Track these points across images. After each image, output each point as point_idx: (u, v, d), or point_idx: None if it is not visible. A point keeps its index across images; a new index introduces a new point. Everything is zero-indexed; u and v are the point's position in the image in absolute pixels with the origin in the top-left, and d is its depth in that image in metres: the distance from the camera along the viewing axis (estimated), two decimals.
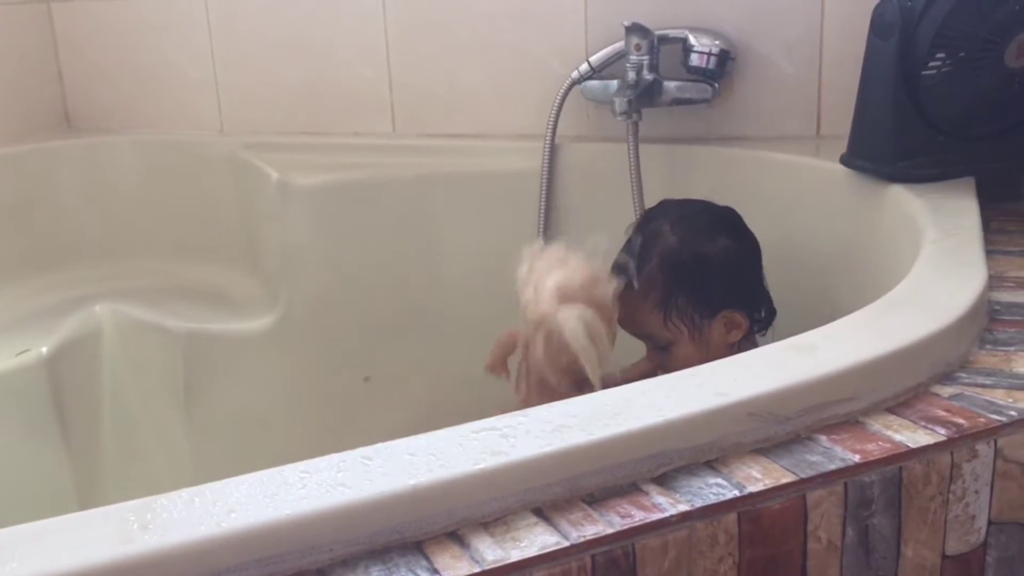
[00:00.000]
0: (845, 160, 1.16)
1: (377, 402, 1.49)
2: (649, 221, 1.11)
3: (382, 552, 0.54)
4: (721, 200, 1.12)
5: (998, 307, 0.84)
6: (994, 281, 0.89)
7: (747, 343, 1.07)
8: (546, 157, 1.39)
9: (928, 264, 0.86)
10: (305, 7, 1.52)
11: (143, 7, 1.61)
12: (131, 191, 1.61)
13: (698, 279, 1.04)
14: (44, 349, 1.32)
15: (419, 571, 0.53)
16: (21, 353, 1.30)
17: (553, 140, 1.39)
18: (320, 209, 1.45)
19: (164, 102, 1.65)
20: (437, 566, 0.53)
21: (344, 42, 1.52)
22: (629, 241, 1.10)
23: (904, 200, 1.04)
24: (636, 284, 1.04)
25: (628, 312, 1.06)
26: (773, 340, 0.75)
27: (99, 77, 1.67)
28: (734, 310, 1.05)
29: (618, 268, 1.06)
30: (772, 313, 1.09)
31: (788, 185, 1.26)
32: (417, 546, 0.55)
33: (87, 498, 1.34)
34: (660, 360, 1.08)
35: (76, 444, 1.35)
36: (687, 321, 1.04)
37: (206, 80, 1.61)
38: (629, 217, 1.28)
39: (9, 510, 1.26)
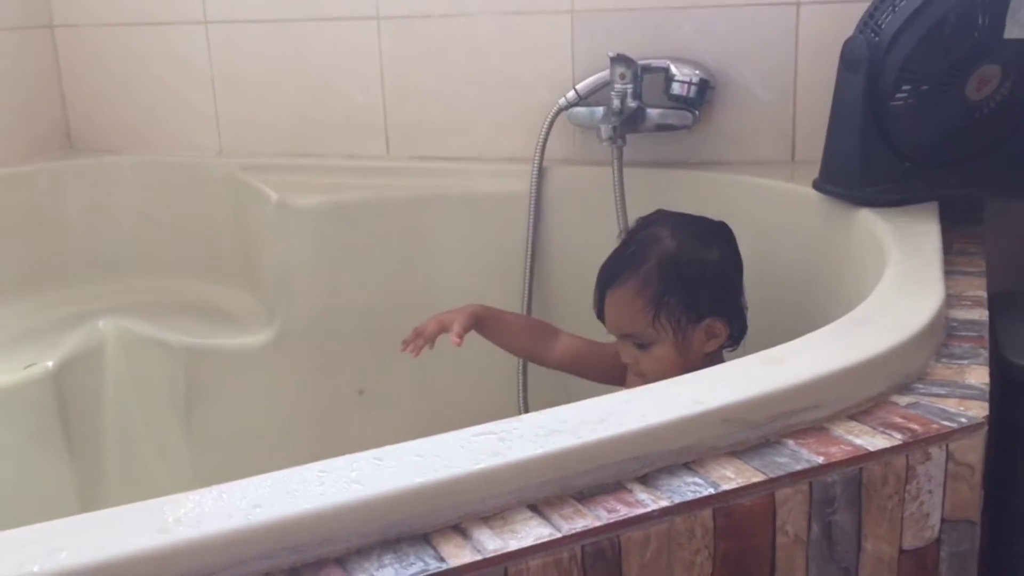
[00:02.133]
0: (817, 185, 1.21)
1: (370, 415, 1.54)
2: (646, 227, 1.14)
3: (394, 543, 0.60)
4: None
5: (955, 324, 0.90)
6: (952, 300, 0.94)
7: (716, 356, 1.10)
8: (534, 179, 1.44)
9: (891, 283, 0.92)
10: (303, 35, 1.58)
11: (145, 33, 1.66)
12: (133, 210, 1.66)
13: (691, 283, 1.08)
14: (50, 363, 1.36)
15: (427, 559, 0.58)
16: (28, 367, 1.34)
17: (541, 163, 1.44)
18: (317, 229, 1.50)
19: (164, 125, 1.69)
20: (443, 555, 0.59)
21: (340, 68, 1.57)
22: (622, 245, 1.14)
23: (871, 223, 1.10)
24: (628, 283, 1.08)
25: (617, 310, 1.09)
26: (745, 353, 0.81)
27: (101, 100, 1.72)
28: (717, 319, 1.08)
29: (611, 269, 1.11)
30: (744, 330, 1.13)
31: (763, 207, 1.31)
32: (425, 537, 0.60)
33: (90, 506, 1.38)
34: (635, 359, 1.10)
35: (80, 454, 1.40)
36: (674, 323, 1.07)
37: (206, 104, 1.66)
38: (613, 236, 1.34)
39: (15, 516, 1.30)
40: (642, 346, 1.09)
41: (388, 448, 0.65)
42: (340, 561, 0.58)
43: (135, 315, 1.51)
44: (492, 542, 0.60)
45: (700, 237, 1.11)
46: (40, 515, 0.60)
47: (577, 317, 1.43)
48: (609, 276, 1.12)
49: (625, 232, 1.17)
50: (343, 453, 0.66)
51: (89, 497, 1.39)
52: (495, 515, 0.62)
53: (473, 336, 1.51)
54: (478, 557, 0.58)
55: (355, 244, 1.50)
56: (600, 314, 1.13)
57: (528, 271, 1.46)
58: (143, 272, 1.65)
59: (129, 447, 1.46)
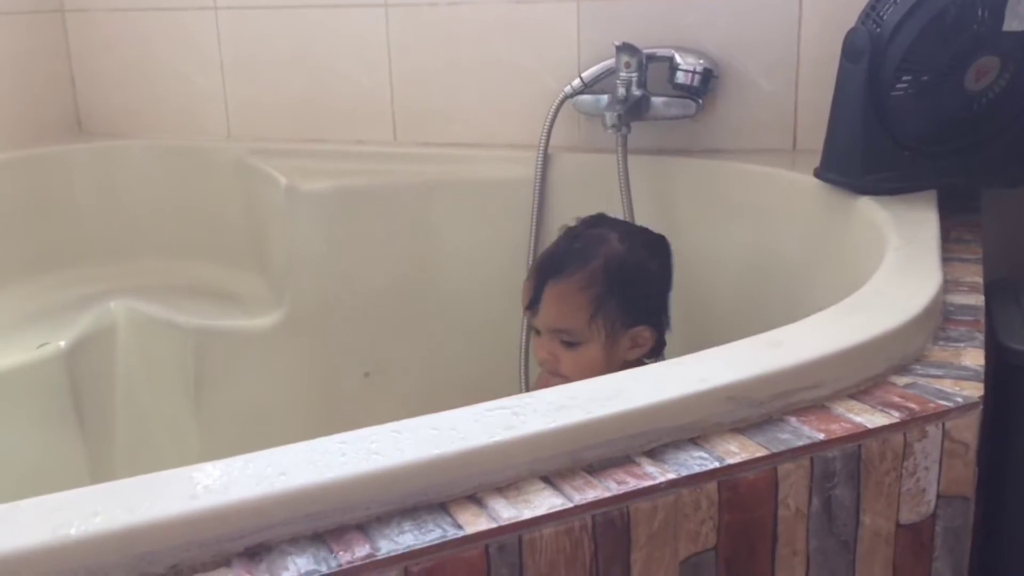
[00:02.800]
0: (818, 173, 1.23)
1: (376, 396, 1.57)
2: (593, 226, 1.14)
3: (412, 510, 0.62)
4: (705, 208, 1.19)
5: (952, 308, 0.93)
6: (949, 285, 0.97)
7: (635, 365, 1.08)
8: (539, 166, 1.46)
9: (890, 269, 0.94)
10: (311, 21, 1.59)
11: (154, 18, 1.68)
12: (142, 194, 1.68)
13: (633, 289, 1.09)
14: (62, 343, 1.39)
15: (445, 526, 0.61)
16: (41, 346, 1.37)
17: (546, 150, 1.46)
18: (325, 213, 1.52)
19: (173, 109, 1.71)
20: (460, 522, 0.61)
21: (348, 54, 1.59)
22: (569, 239, 1.13)
23: (871, 211, 1.12)
24: (573, 278, 1.07)
25: (555, 304, 1.08)
26: (748, 335, 0.83)
27: (111, 84, 1.74)
28: (646, 328, 1.09)
29: (555, 261, 1.10)
30: (664, 344, 1.13)
31: (765, 195, 1.33)
32: (442, 506, 0.63)
33: (101, 483, 1.41)
34: (556, 358, 1.09)
35: (91, 432, 1.42)
36: (608, 325, 1.07)
37: (214, 88, 1.68)
38: None
39: (28, 492, 1.33)
40: (570, 344, 1.08)
41: (405, 421, 0.67)
42: (361, 527, 0.61)
43: (145, 297, 1.53)
44: (507, 511, 0.62)
45: (646, 245, 1.13)
46: (52, 490, 0.62)
47: None
48: (553, 268, 1.10)
49: (566, 228, 1.17)
50: None
51: (100, 475, 1.42)
52: (509, 485, 0.65)
53: (479, 316, 1.54)
54: (494, 525, 0.61)
55: (362, 228, 1.52)
56: (532, 304, 1.11)
57: (532, 255, 1.47)
58: (153, 255, 1.67)
59: (139, 427, 1.48)
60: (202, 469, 0.62)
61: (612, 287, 1.08)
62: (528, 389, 1.49)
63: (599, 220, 1.17)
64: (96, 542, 0.56)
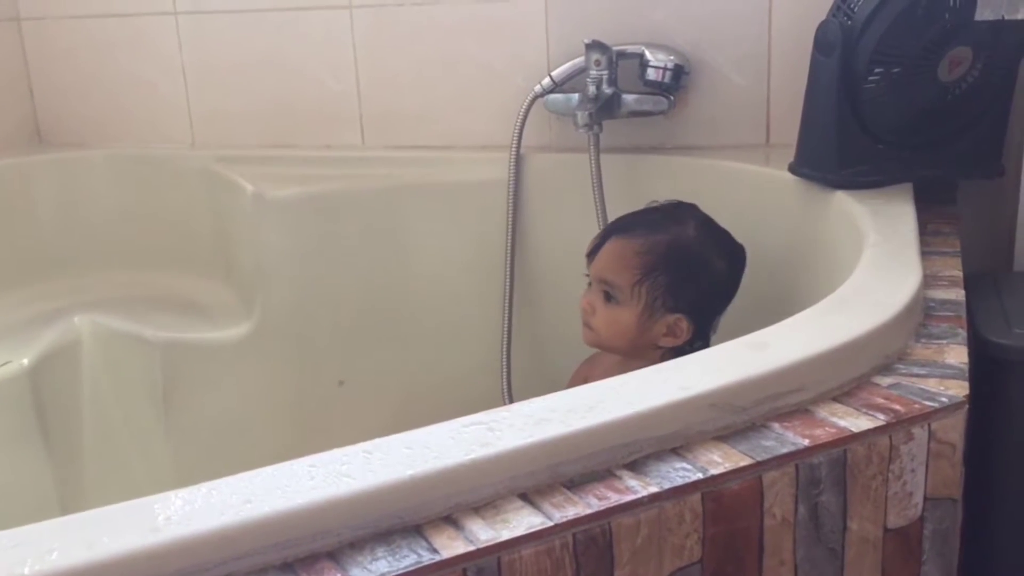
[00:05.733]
0: (792, 168, 1.22)
1: (351, 406, 1.54)
2: (678, 206, 1.17)
3: (386, 535, 0.60)
4: None
5: (933, 304, 0.92)
6: (929, 280, 0.96)
7: (665, 355, 1.10)
8: (512, 167, 1.44)
9: (869, 265, 0.93)
10: (274, 24, 1.56)
11: (113, 25, 1.64)
12: (105, 204, 1.64)
13: (687, 276, 1.09)
14: (25, 360, 1.34)
15: (420, 551, 0.58)
16: (3, 365, 1.32)
17: (518, 151, 1.44)
18: (293, 220, 1.49)
19: (135, 117, 1.67)
20: (436, 546, 0.59)
21: (313, 57, 1.56)
22: (649, 210, 1.17)
23: (847, 205, 1.11)
24: (635, 239, 1.10)
25: (610, 255, 1.11)
26: (727, 338, 0.81)
27: (70, 93, 1.70)
28: (686, 320, 1.09)
29: (627, 221, 1.15)
30: (700, 345, 1.12)
31: (740, 192, 1.32)
32: (417, 529, 0.61)
33: (70, 504, 1.37)
34: (594, 309, 1.12)
35: (58, 452, 1.38)
36: (651, 297, 1.09)
37: (177, 95, 1.64)
38: (592, 221, 1.35)
39: None
40: (610, 299, 1.11)
41: (377, 441, 0.65)
42: (333, 555, 0.58)
43: (111, 310, 1.49)
44: (484, 532, 0.60)
45: (719, 245, 1.14)
46: (20, 513, 0.60)
47: (558, 302, 1.44)
48: (622, 225, 1.15)
49: (658, 205, 1.19)
50: (325, 445, 0.66)
51: (69, 494, 1.38)
52: (486, 505, 0.63)
53: (455, 321, 1.52)
54: (471, 548, 0.59)
55: (332, 235, 1.50)
56: (592, 253, 1.14)
57: (509, 258, 1.46)
58: (118, 267, 1.64)
59: (108, 443, 1.45)
60: (164, 499, 0.59)
61: (668, 264, 1.09)
62: (511, 396, 1.47)
63: (688, 206, 1.17)
64: None
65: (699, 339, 1.12)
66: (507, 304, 1.46)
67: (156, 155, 1.64)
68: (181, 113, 1.65)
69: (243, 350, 1.49)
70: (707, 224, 1.15)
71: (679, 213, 1.15)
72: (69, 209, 1.64)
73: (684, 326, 1.10)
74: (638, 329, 1.10)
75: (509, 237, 1.46)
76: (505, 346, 1.46)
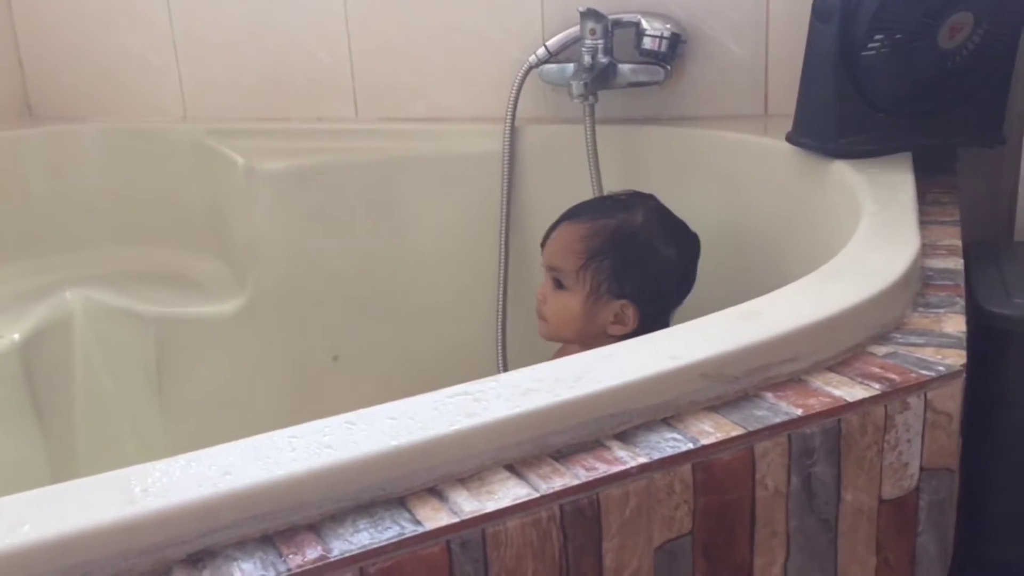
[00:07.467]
0: (790, 138, 1.20)
1: (345, 380, 1.53)
2: (632, 195, 1.16)
3: (368, 507, 0.59)
4: (675, 177, 1.16)
5: (931, 273, 0.90)
6: (927, 249, 0.94)
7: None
8: (507, 139, 1.42)
9: (866, 234, 0.91)
10: None
11: None
12: (96, 178, 1.62)
13: (631, 262, 1.09)
14: (16, 336, 1.34)
15: (403, 523, 0.57)
16: None
17: (513, 122, 1.42)
18: (286, 193, 1.47)
19: (126, 90, 1.65)
20: (419, 517, 0.58)
21: (305, 29, 1.54)
22: (600, 197, 1.19)
23: (845, 175, 1.10)
24: (582, 225, 1.10)
25: (559, 241, 1.12)
26: (722, 308, 0.80)
27: (60, 66, 1.67)
28: (632, 306, 1.08)
29: (577, 208, 1.15)
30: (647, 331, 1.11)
31: (737, 162, 1.30)
32: (400, 501, 0.59)
33: (62, 479, 1.35)
34: (545, 298, 1.13)
35: (50, 427, 1.38)
36: (595, 283, 1.08)
37: (168, 67, 1.62)
38: (587, 193, 1.33)
39: None
40: (559, 286, 1.11)
41: (361, 412, 0.64)
42: (314, 527, 0.57)
43: (103, 285, 1.48)
44: (469, 504, 0.59)
45: (669, 231, 1.12)
46: (12, 490, 0.59)
47: None
48: (572, 212, 1.15)
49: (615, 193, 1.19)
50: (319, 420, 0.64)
51: (61, 469, 1.37)
52: (472, 476, 0.61)
53: (449, 294, 1.50)
54: (455, 519, 0.57)
55: (325, 208, 1.48)
56: (544, 241, 1.15)
57: (504, 231, 1.44)
58: (110, 241, 1.62)
59: (100, 418, 1.44)
60: (141, 470, 0.58)
61: (613, 249, 1.09)
62: (507, 369, 1.46)
63: (644, 196, 1.17)
64: (25, 554, 0.52)
65: (653, 329, 1.09)
66: (502, 276, 1.44)
67: (148, 128, 1.62)
68: (172, 86, 1.63)
69: (236, 325, 1.48)
70: (658, 211, 1.14)
71: (631, 201, 1.14)
72: (60, 183, 1.62)
73: (631, 313, 1.09)
74: (585, 315, 1.09)
75: (504, 209, 1.44)
76: (500, 319, 1.45)
